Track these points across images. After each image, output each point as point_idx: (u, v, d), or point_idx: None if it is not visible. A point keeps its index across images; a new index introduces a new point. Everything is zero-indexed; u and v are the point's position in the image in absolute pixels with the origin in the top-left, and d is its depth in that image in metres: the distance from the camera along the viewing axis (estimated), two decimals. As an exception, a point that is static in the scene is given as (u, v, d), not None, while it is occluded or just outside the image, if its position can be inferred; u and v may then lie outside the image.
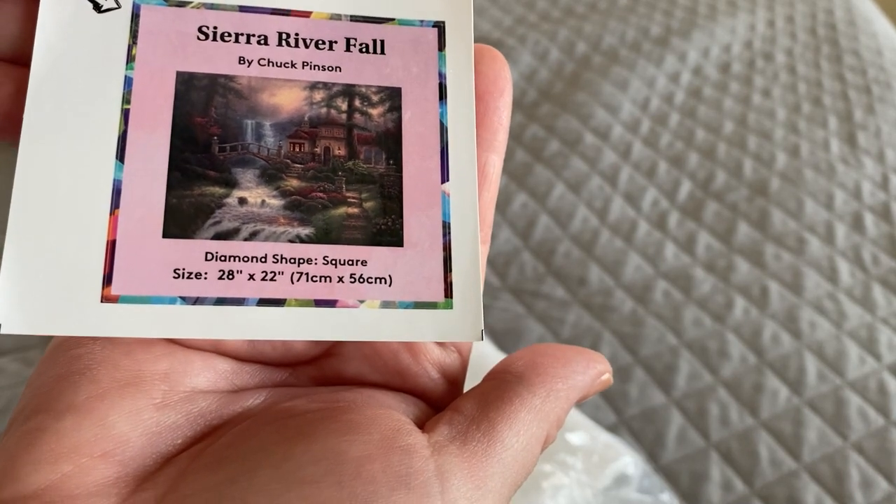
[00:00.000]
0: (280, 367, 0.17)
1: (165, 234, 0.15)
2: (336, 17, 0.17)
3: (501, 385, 0.16)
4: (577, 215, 0.67)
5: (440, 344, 0.17)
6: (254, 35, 0.17)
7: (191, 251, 0.15)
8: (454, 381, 0.18)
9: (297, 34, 0.17)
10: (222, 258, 0.16)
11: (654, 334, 0.57)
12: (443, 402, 0.17)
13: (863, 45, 0.94)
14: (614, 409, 0.52)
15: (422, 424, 0.16)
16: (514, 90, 0.82)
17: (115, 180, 0.15)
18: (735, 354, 0.56)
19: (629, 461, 0.44)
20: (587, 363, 0.18)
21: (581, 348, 0.18)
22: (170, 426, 0.15)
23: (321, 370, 0.17)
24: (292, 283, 0.16)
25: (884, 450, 0.51)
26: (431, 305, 0.16)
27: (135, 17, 0.16)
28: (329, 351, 0.17)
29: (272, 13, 0.17)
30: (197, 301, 0.15)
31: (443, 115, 0.17)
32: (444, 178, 0.17)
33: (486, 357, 0.49)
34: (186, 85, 0.16)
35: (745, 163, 0.74)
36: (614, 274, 0.62)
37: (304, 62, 0.17)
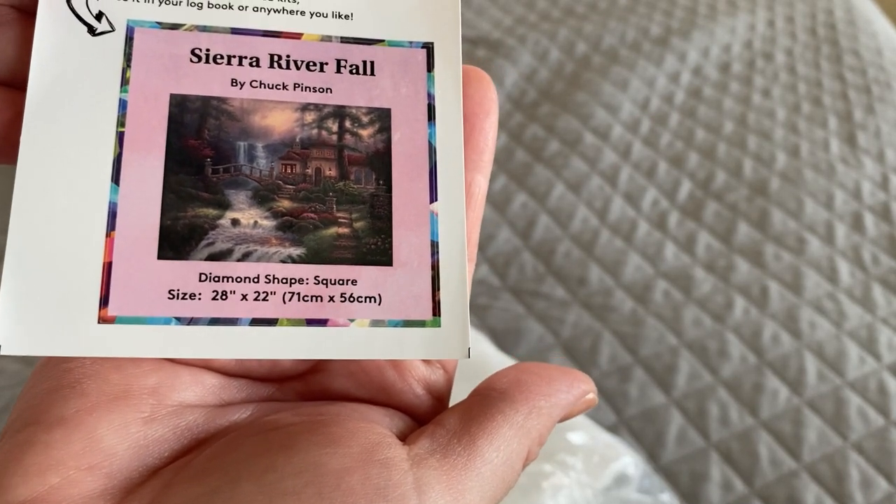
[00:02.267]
0: (267, 383, 0.17)
1: (160, 256, 0.16)
2: (327, 38, 0.18)
3: (485, 401, 0.17)
4: (577, 215, 0.67)
5: (426, 361, 0.18)
6: (246, 57, 0.17)
7: (185, 272, 0.16)
8: (439, 396, 0.18)
9: (288, 56, 0.17)
10: (216, 279, 0.16)
11: (654, 334, 0.57)
12: (428, 417, 0.17)
13: (863, 45, 0.94)
14: (614, 409, 0.53)
15: (405, 438, 0.16)
16: (514, 90, 0.82)
17: (110, 203, 0.16)
18: (735, 354, 0.56)
19: (629, 461, 0.44)
20: (571, 382, 0.18)
21: (566, 368, 0.18)
22: (157, 439, 0.15)
23: (307, 385, 0.18)
24: (284, 302, 0.16)
25: (884, 450, 0.51)
26: (420, 324, 0.16)
27: (129, 40, 0.16)
28: (315, 367, 0.18)
29: (264, 35, 0.17)
30: (191, 321, 0.15)
31: (431, 136, 0.17)
32: (433, 197, 0.17)
33: (486, 357, 0.49)
34: (180, 107, 0.16)
35: (745, 163, 0.74)
36: (614, 274, 0.62)
37: (295, 84, 0.17)
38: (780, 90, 0.85)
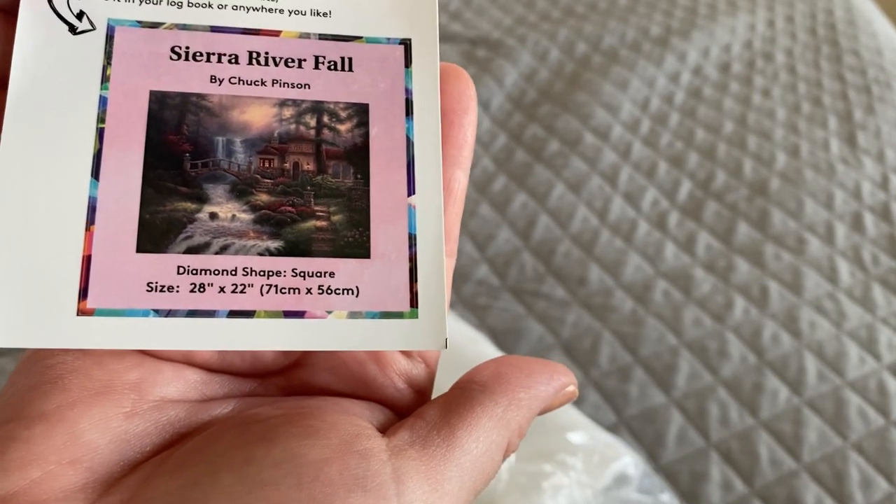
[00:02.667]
0: (249, 378, 0.18)
1: (139, 249, 0.16)
2: (305, 35, 0.18)
3: (465, 393, 0.17)
4: (577, 215, 0.67)
5: (407, 354, 0.18)
6: (225, 54, 0.17)
7: (163, 265, 0.16)
8: (420, 390, 0.18)
9: (266, 53, 0.17)
10: (194, 272, 0.16)
11: (654, 334, 0.57)
12: (409, 410, 0.17)
13: (863, 45, 0.94)
14: (614, 409, 0.52)
15: (386, 431, 0.16)
16: (514, 90, 0.82)
17: (90, 197, 0.16)
18: (735, 354, 0.56)
19: (629, 461, 0.44)
20: (551, 374, 0.18)
21: (546, 361, 0.18)
22: (138, 434, 0.15)
23: (289, 381, 0.18)
24: (262, 295, 0.16)
25: (884, 450, 0.51)
26: (397, 315, 0.17)
27: (109, 38, 0.17)
28: (297, 362, 0.18)
29: (243, 33, 0.17)
30: (169, 313, 0.16)
31: (409, 130, 0.18)
32: (411, 191, 0.17)
33: (485, 357, 0.49)
34: (159, 104, 0.17)
35: (745, 163, 0.74)
36: (614, 274, 0.62)
37: (273, 80, 0.17)
38: (780, 90, 0.85)
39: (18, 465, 0.14)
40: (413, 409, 0.17)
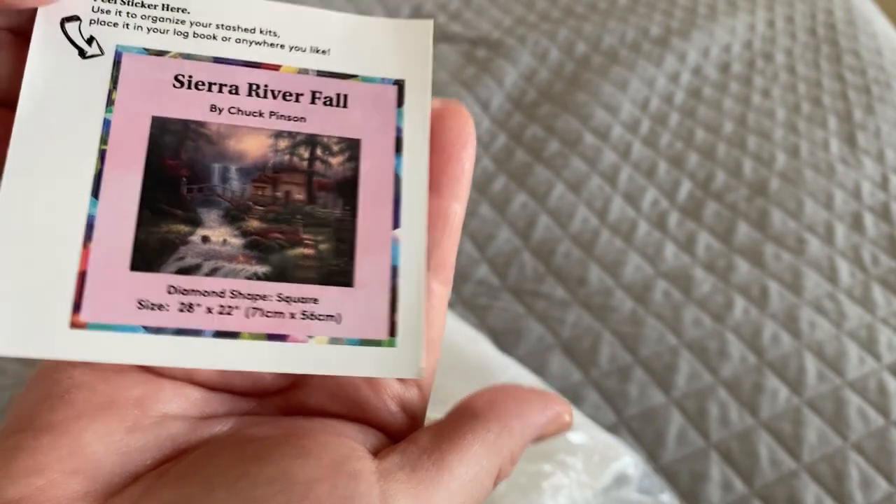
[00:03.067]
0: (248, 397, 0.18)
1: (133, 268, 0.16)
2: (304, 71, 0.18)
3: (458, 420, 0.17)
4: (577, 215, 0.67)
5: (401, 379, 0.18)
6: (226, 85, 0.18)
7: (155, 284, 0.16)
8: (413, 415, 0.18)
9: (266, 86, 0.18)
10: (183, 292, 0.17)
11: (654, 334, 0.57)
12: (402, 434, 0.18)
13: (862, 45, 0.94)
14: (614, 409, 0.53)
15: (378, 454, 0.17)
16: (514, 90, 0.82)
17: (89, 215, 0.16)
18: (735, 354, 0.56)
19: (629, 461, 0.44)
20: (545, 404, 0.18)
21: (542, 391, 0.19)
22: (139, 448, 0.16)
23: (287, 401, 0.18)
24: (247, 317, 0.17)
25: (884, 450, 0.51)
26: (376, 343, 0.17)
27: (116, 63, 0.17)
28: (295, 383, 0.18)
29: (244, 65, 0.18)
30: (158, 331, 0.16)
31: (398, 167, 0.18)
32: (396, 224, 0.18)
33: (485, 357, 0.49)
34: (160, 129, 0.17)
35: (745, 163, 0.74)
36: (614, 274, 0.62)
37: (271, 112, 0.18)
38: (780, 90, 0.85)
39: (25, 473, 0.15)
40: (406, 433, 0.18)
